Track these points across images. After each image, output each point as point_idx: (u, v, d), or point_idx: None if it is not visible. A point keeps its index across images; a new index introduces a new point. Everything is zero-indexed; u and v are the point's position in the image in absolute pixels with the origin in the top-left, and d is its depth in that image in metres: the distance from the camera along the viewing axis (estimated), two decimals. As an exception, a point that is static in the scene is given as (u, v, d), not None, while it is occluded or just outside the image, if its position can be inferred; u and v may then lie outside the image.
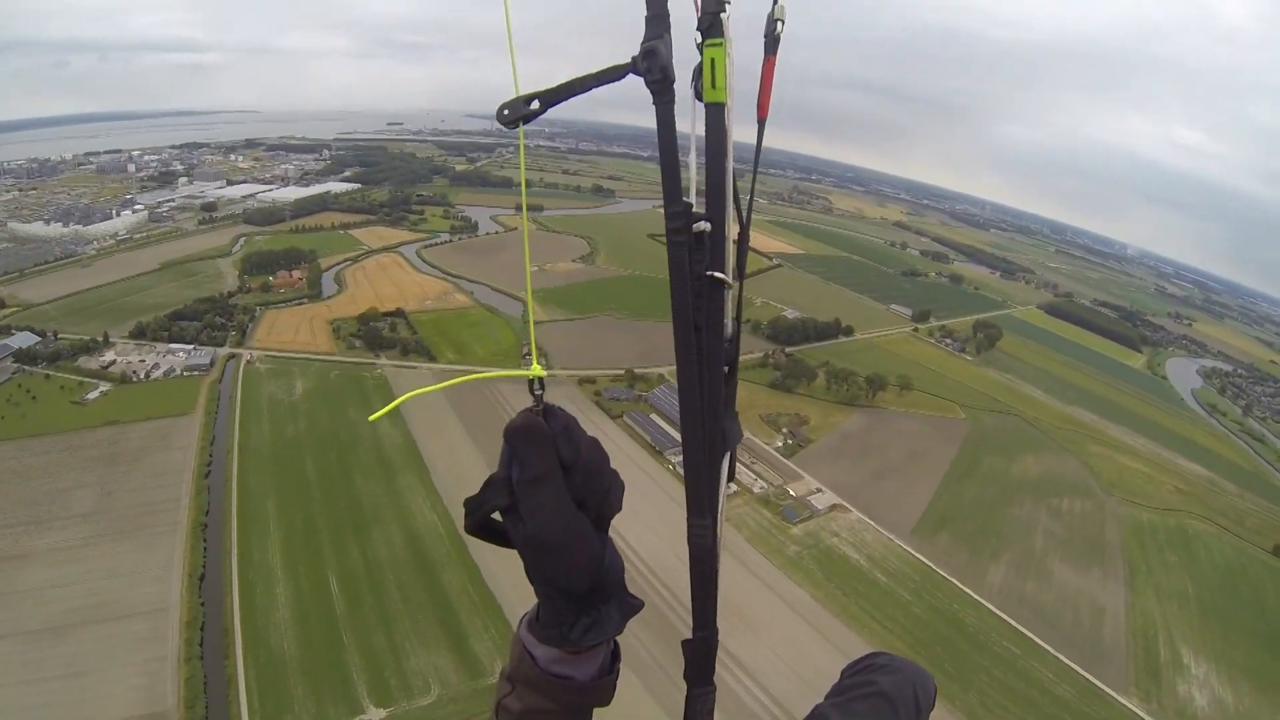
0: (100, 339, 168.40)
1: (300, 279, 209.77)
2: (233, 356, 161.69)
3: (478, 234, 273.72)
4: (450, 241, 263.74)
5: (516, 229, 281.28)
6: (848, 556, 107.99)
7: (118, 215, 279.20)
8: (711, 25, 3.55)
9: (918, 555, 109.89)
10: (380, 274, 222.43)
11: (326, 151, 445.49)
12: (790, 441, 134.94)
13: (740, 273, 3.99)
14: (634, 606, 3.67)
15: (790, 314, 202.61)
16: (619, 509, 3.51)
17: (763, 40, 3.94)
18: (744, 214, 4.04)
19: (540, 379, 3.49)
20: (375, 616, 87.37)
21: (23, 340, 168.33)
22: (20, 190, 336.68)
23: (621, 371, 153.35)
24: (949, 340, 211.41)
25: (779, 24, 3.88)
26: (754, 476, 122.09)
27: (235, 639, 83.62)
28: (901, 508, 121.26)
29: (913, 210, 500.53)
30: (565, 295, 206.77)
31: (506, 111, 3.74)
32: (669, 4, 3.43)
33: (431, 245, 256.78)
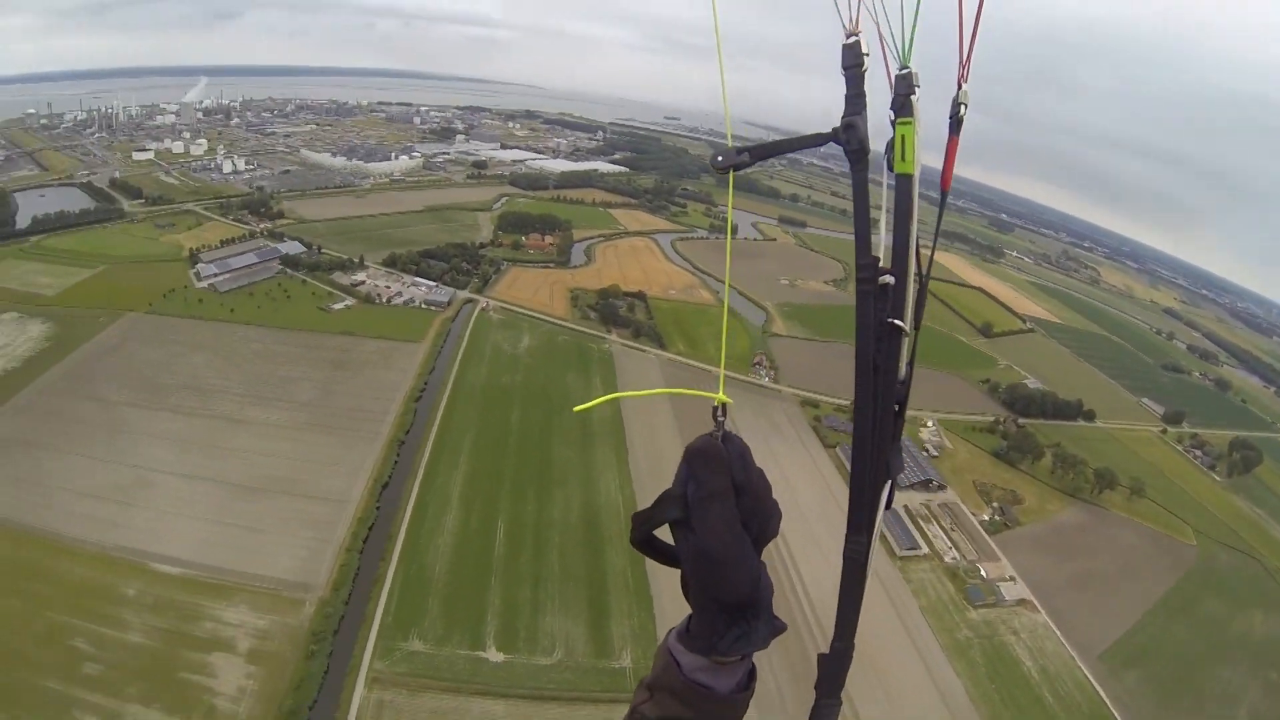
0: (356, 260, 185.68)
1: (551, 244, 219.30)
2: (470, 301, 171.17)
3: (736, 236, 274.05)
4: (707, 239, 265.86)
5: (776, 239, 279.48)
6: (1020, 661, 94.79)
7: (396, 159, 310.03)
8: (903, 106, 4.47)
9: (1097, 686, 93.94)
10: (630, 255, 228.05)
11: (601, 133, 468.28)
12: (997, 518, 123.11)
13: (916, 323, 4.54)
14: (779, 628, 4.07)
15: (1031, 383, 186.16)
16: (775, 535, 4.09)
17: (948, 120, 4.65)
18: (924, 272, 4.60)
19: (724, 405, 4.18)
20: (529, 570, 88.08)
21: (291, 248, 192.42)
22: (318, 125, 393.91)
23: (847, 403, 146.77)
24: (1198, 452, 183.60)
25: (962, 107, 4.63)
26: (949, 545, 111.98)
27: (396, 546, 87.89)
28: (1096, 626, 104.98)
29: (1187, 298, 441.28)
30: (811, 314, 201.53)
31: (720, 159, 4.74)
32: (865, 85, 4.33)
33: (687, 239, 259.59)
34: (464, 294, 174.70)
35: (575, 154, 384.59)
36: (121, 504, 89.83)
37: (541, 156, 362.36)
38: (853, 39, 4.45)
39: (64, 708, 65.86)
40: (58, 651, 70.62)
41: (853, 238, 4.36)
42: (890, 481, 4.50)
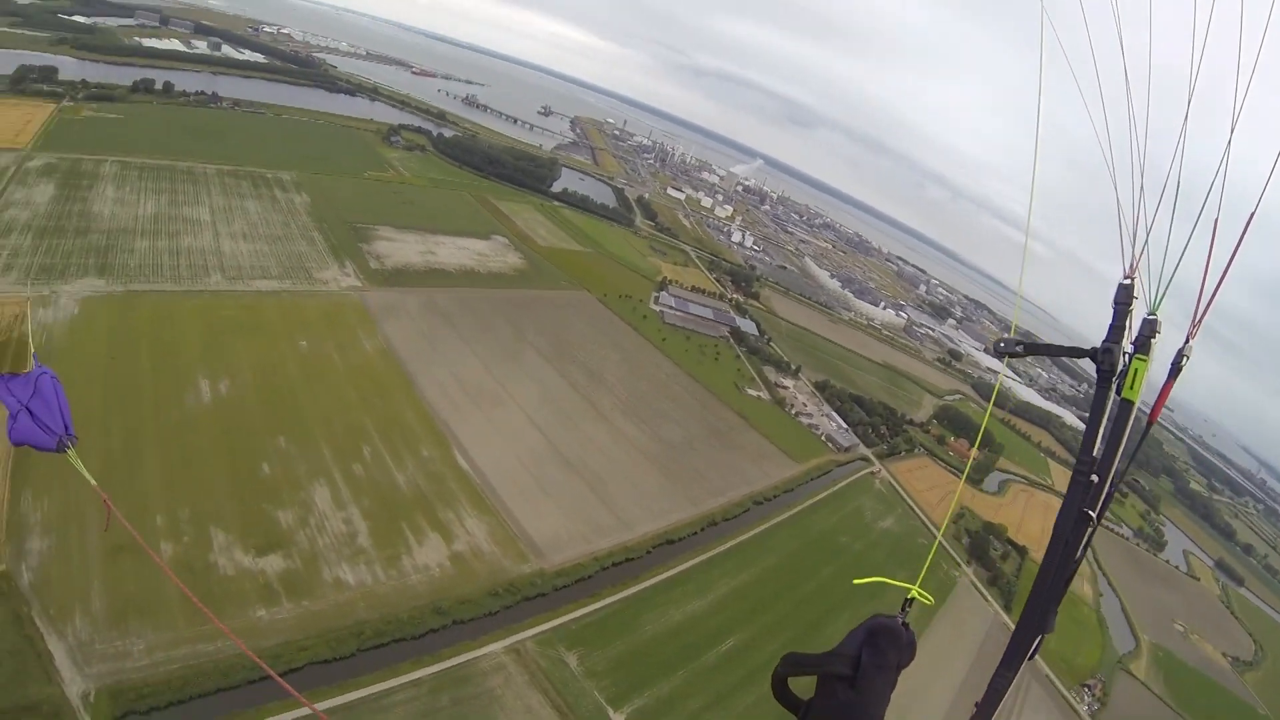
0: (792, 367, 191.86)
1: (971, 457, 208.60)
2: (865, 460, 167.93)
3: (1160, 554, 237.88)
4: (1128, 540, 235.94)
5: (1199, 580, 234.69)
6: None
7: (883, 308, 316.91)
8: (1143, 345, 5.62)
9: None
10: (1041, 510, 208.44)
11: (1086, 386, 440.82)
12: None
13: (1098, 519, 5.83)
14: None
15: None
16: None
17: (1169, 366, 5.90)
18: (1114, 480, 5.83)
19: (911, 599, 5.70)
20: (720, 688, 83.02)
21: (746, 325, 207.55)
22: (833, 246, 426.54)
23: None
24: None
25: (1185, 359, 5.84)
26: None
27: (630, 589, 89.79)
28: None
29: None
30: (1185, 676, 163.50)
31: (1001, 344, 6.54)
32: (1128, 321, 5.71)
33: (1112, 531, 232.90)
34: (865, 450, 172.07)
35: (1050, 394, 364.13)
36: (471, 400, 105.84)
37: (1017, 379, 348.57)
38: (1128, 280, 5.91)
39: (317, 471, 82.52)
40: (348, 442, 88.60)
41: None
42: (1041, 636, 5.92)
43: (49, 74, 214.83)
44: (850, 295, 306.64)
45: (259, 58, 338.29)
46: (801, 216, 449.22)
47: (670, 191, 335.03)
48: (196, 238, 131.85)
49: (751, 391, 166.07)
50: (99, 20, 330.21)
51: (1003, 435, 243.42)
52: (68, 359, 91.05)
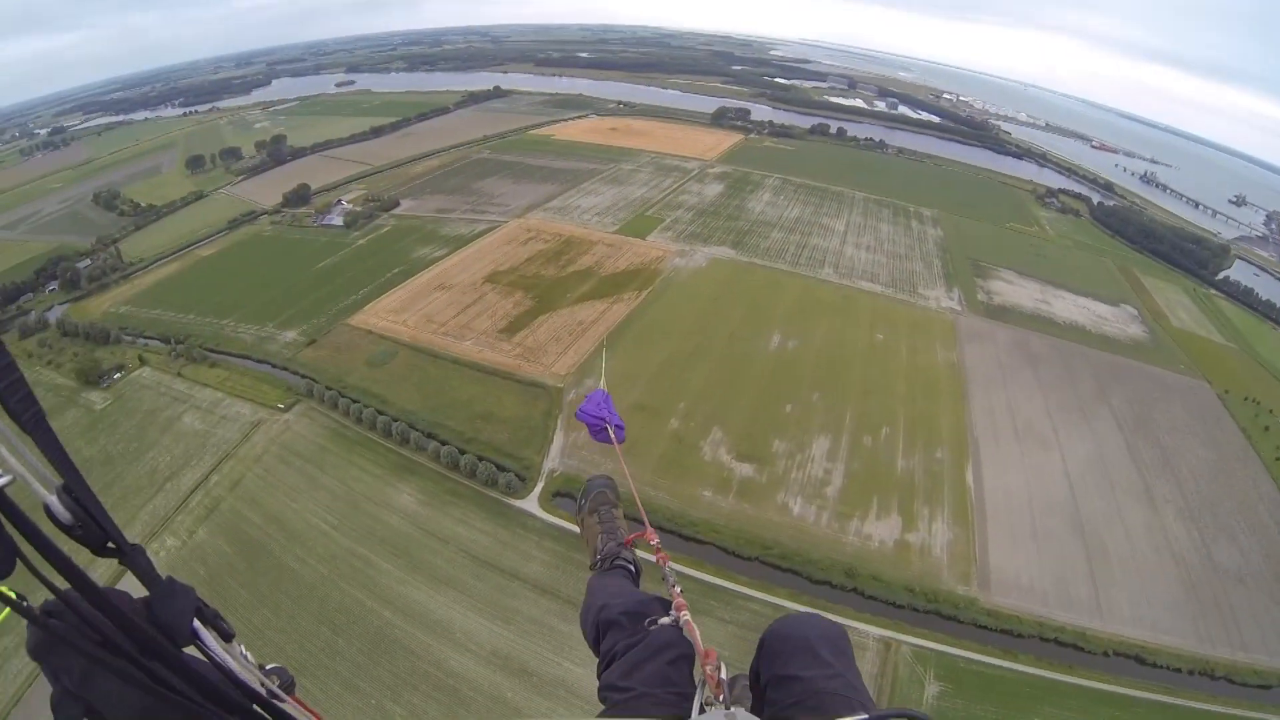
0: None
1: None
2: None
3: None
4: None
5: None
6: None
7: None
8: None
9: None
10: None
11: None
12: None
13: None
14: None
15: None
16: None
17: None
18: None
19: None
20: None
21: None
22: None
23: None
24: None
25: None
26: None
27: None
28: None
29: None
30: None
31: None
32: None
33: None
34: None
35: None
36: (1014, 432, 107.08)
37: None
38: None
39: (829, 426, 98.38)
40: (872, 418, 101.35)
41: None
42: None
43: (743, 114, 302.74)
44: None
45: (932, 118, 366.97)
46: None
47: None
48: (824, 239, 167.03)
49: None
50: (795, 82, 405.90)
51: None
52: (683, 290, 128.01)
